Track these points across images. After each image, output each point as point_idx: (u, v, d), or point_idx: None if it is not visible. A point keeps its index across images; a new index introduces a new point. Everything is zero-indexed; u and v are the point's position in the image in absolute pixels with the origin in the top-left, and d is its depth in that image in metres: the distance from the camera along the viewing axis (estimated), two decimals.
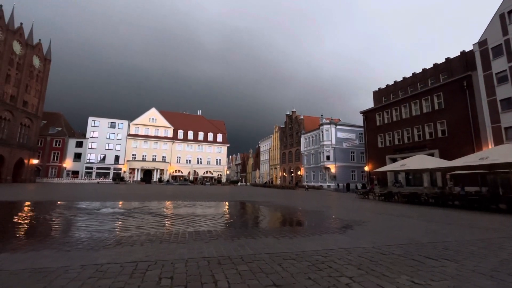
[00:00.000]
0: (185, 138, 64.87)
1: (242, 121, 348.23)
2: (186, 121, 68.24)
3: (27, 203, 11.23)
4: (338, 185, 40.78)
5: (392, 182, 28.60)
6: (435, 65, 28.70)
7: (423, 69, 30.00)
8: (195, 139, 65.83)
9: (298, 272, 3.29)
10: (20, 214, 8.32)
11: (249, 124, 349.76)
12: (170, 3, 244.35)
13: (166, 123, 63.36)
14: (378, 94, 35.63)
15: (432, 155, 23.29)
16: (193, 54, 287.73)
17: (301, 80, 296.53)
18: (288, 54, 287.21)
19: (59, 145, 53.16)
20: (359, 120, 40.26)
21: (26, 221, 6.96)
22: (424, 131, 25.97)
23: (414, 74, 31.15)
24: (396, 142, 29.17)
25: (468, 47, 30.82)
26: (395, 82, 33.45)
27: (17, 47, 38.92)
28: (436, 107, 25.11)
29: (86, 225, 6.46)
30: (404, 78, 32.31)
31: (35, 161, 44.35)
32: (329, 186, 42.63)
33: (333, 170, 42.51)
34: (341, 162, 42.69)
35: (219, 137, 68.55)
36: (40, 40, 44.21)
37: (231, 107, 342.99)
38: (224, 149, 68.94)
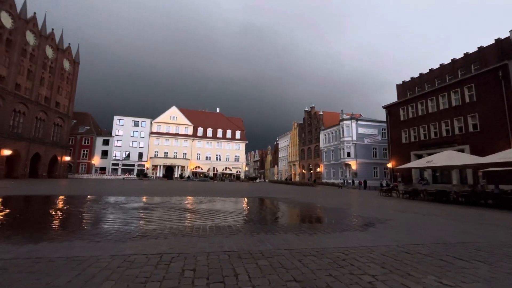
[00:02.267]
0: (204, 136, 66.13)
1: (260, 118, 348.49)
2: (205, 119, 69.48)
3: (61, 197, 12.06)
4: (344, 181, 39.29)
5: (417, 180, 27.32)
6: (466, 54, 26.83)
7: (452, 60, 28.17)
8: (214, 136, 66.90)
9: (318, 269, 3.27)
10: (55, 207, 8.96)
11: (267, 120, 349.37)
12: (190, 4, 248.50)
13: (186, 121, 64.91)
14: (402, 88, 34.00)
15: (462, 151, 21.90)
16: (212, 52, 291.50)
17: (321, 76, 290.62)
18: (308, 49, 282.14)
19: (88, 143, 56.40)
20: (382, 115, 38.75)
21: (61, 214, 7.48)
22: (453, 126, 24.45)
23: (442, 65, 29.35)
24: (422, 138, 27.75)
25: (503, 34, 28.49)
26: (420, 74, 31.74)
27: (49, 51, 41.57)
28: (467, 99, 23.51)
29: (114, 218, 6.82)
30: (430, 69, 30.55)
31: (67, 158, 47.39)
32: (349, 183, 41.60)
33: (354, 167, 41.38)
34: (362, 159, 41.42)
35: (238, 134, 69.11)
36: (69, 44, 46.88)
37: (249, 104, 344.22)
38: (242, 146, 69.45)
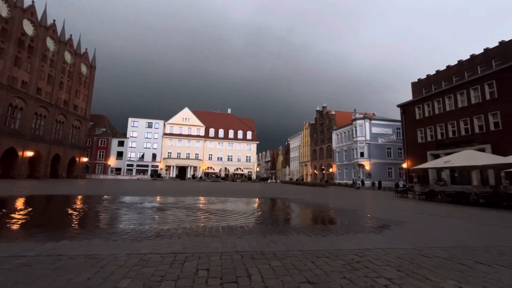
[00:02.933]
0: (216, 136, 66.74)
1: (272, 118, 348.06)
2: (216, 120, 70.11)
3: (80, 197, 12.51)
4: (354, 182, 38.17)
5: (434, 180, 26.40)
6: (486, 50, 25.73)
7: (471, 56, 27.09)
8: (226, 137, 67.37)
9: (332, 271, 3.23)
10: (74, 206, 9.31)
11: (278, 121, 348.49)
12: (202, 7, 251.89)
13: (198, 122, 65.73)
14: (418, 86, 33.02)
15: (482, 150, 20.97)
16: (222, 54, 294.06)
17: (332, 75, 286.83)
18: (320, 49, 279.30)
19: (104, 144, 58.21)
20: (396, 114, 37.71)
21: (79, 213, 7.76)
22: (473, 124, 23.46)
23: (460, 61, 28.28)
24: (439, 137, 26.81)
25: None
26: (437, 71, 30.72)
27: (68, 56, 43.27)
28: (488, 97, 22.51)
29: (129, 217, 7.01)
30: (448, 66, 29.50)
31: (84, 159, 49.12)
32: (358, 183, 40.75)
33: (367, 167, 40.53)
34: (376, 159, 40.50)
35: (249, 134, 69.30)
36: (86, 49, 48.59)
37: (260, 104, 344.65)
38: (253, 146, 69.56)
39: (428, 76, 31.91)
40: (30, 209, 8.38)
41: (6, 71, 31.03)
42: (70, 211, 8.01)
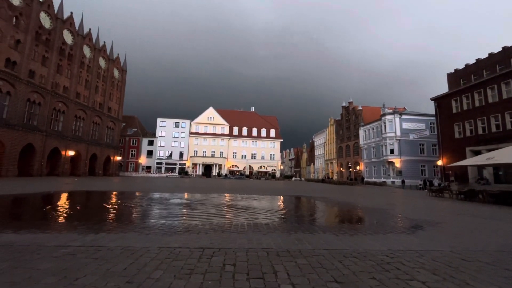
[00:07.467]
0: (240, 135, 67.49)
1: (295, 115, 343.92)
2: (240, 118, 70.83)
3: (115, 193, 13.39)
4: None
5: (474, 179, 24.34)
6: None
7: None
8: (249, 135, 67.86)
9: (361, 271, 3.13)
10: (110, 201, 10.00)
11: (302, 118, 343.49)
12: (225, 7, 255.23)
13: (223, 121, 66.93)
14: (454, 77, 30.55)
15: None
16: (246, 53, 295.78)
17: (359, 69, 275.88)
18: (345, 41, 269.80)
19: (135, 144, 61.61)
20: (430, 109, 35.30)
21: (115, 208, 8.32)
22: None
23: (504, 48, 25.67)
24: (480, 132, 24.61)
25: None
26: (477, 60, 28.16)
27: (102, 62, 46.33)
28: None
29: (160, 213, 7.37)
30: (490, 54, 26.92)
31: (118, 158, 52.42)
32: (393, 182, 38.80)
33: (398, 164, 38.48)
34: (407, 156, 38.28)
35: (272, 132, 69.14)
36: (118, 54, 51.62)
37: (284, 101, 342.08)
38: (277, 144, 69.31)
39: (466, 65, 29.41)
40: (73, 203, 9.16)
41: (50, 78, 34.02)
42: (107, 206, 8.63)
